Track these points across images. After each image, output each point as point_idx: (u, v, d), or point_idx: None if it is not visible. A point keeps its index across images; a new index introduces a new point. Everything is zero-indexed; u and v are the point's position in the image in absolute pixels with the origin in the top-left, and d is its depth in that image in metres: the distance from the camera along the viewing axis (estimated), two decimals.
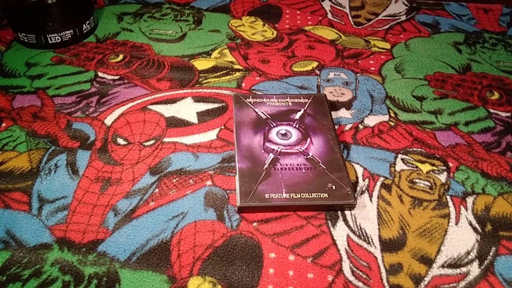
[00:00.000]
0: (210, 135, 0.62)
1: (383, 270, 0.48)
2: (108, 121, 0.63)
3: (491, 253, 0.50)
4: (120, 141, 0.61)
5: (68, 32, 0.75)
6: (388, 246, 0.50)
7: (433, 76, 0.74)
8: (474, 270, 0.48)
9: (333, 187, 0.53)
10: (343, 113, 0.66)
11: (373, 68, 0.75)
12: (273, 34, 0.82)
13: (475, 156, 0.61)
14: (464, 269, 0.48)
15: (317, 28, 0.84)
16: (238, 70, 0.73)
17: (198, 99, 0.68)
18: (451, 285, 0.47)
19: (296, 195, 0.52)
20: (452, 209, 0.54)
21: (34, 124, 0.63)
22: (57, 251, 0.48)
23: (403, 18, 0.88)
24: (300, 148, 0.58)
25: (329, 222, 0.52)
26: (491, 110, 0.68)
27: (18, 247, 0.49)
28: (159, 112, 0.65)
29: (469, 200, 0.55)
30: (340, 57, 0.77)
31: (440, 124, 0.65)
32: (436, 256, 0.49)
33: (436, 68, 0.76)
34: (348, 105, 0.68)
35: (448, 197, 0.55)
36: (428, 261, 0.49)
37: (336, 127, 0.64)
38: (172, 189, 0.55)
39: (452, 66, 0.76)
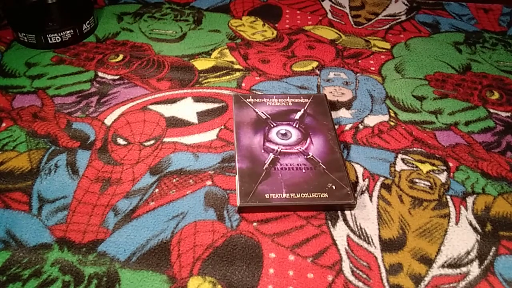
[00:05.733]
0: (210, 135, 0.62)
1: (383, 270, 0.48)
2: (108, 121, 0.63)
3: (491, 253, 0.50)
4: (120, 141, 0.61)
5: (68, 32, 0.75)
6: (388, 246, 0.50)
7: (433, 76, 0.74)
8: (474, 270, 0.48)
9: (333, 187, 0.53)
10: (343, 113, 0.66)
11: (373, 68, 0.75)
12: (273, 34, 0.82)
13: (475, 156, 0.61)
14: (464, 269, 0.48)
15: (317, 28, 0.84)
16: (238, 70, 0.73)
17: (198, 99, 0.68)
18: (451, 285, 0.47)
19: (296, 195, 0.52)
20: (452, 209, 0.54)
21: (34, 124, 0.63)
22: (57, 251, 0.48)
23: (403, 18, 0.88)
24: (300, 148, 0.58)
25: (329, 222, 0.52)
26: (491, 110, 0.68)
27: (18, 247, 0.49)
28: (159, 112, 0.65)
29: (469, 200, 0.55)
30: (340, 57, 0.77)
31: (440, 124, 0.65)
32: (436, 256, 0.49)
33: (436, 68, 0.75)
34: (348, 105, 0.68)
35: (448, 197, 0.55)
36: (428, 261, 0.49)
37: (336, 127, 0.64)
38: (172, 189, 0.55)
39: (452, 66, 0.76)
